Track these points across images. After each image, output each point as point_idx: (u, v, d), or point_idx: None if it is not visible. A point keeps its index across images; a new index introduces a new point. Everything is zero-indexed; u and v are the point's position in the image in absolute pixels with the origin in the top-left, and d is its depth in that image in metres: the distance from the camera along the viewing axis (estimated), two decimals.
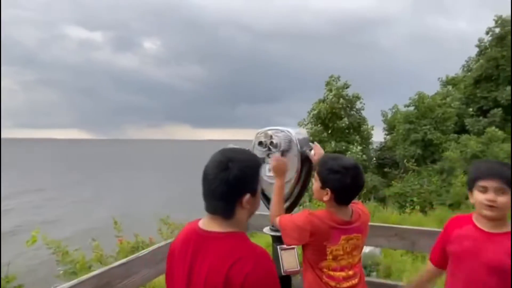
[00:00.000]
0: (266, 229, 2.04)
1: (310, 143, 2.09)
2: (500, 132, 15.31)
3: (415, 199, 13.25)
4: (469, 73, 19.15)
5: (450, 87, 19.15)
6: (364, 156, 16.02)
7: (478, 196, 1.61)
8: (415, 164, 15.77)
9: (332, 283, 1.69)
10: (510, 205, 1.56)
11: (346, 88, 17.75)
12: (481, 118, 16.95)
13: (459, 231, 1.69)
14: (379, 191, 14.86)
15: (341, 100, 17.10)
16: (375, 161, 18.64)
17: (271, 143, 2.02)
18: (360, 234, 1.74)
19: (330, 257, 1.69)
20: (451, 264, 1.72)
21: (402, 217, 9.69)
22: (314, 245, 1.70)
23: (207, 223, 1.28)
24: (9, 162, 44.13)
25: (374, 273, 4.69)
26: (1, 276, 3.26)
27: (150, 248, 2.21)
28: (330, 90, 17.36)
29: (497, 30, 17.37)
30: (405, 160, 16.11)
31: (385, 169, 17.74)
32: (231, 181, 1.21)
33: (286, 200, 2.05)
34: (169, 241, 2.13)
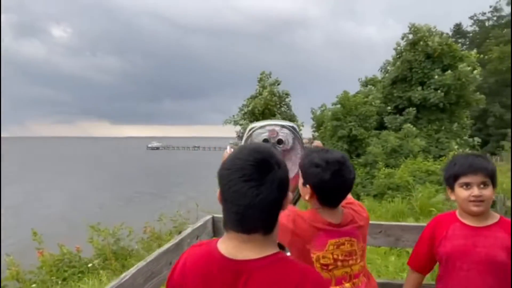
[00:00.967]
0: None
1: (313, 141, 1.96)
2: (414, 129, 16.89)
3: None
4: (387, 74, 20.89)
5: (371, 87, 20.70)
6: None
7: (461, 193, 1.55)
8: None
9: None
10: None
11: (278, 84, 18.09)
12: (397, 116, 18.56)
13: (446, 232, 1.61)
14: None
15: (274, 97, 17.38)
16: None
17: (279, 140, 1.85)
18: (355, 238, 1.49)
19: (318, 265, 1.45)
20: (441, 268, 1.64)
21: None
22: (296, 247, 1.46)
23: (238, 249, 0.94)
24: None
25: None
26: None
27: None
28: (263, 87, 17.52)
29: (411, 36, 19.19)
30: None
31: None
32: (282, 182, 0.94)
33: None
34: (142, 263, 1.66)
